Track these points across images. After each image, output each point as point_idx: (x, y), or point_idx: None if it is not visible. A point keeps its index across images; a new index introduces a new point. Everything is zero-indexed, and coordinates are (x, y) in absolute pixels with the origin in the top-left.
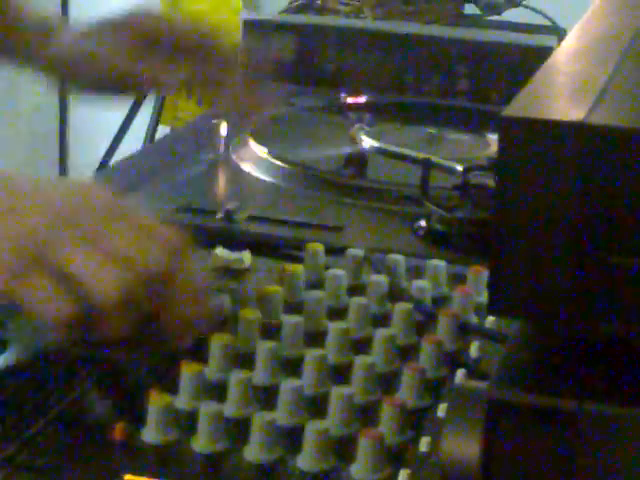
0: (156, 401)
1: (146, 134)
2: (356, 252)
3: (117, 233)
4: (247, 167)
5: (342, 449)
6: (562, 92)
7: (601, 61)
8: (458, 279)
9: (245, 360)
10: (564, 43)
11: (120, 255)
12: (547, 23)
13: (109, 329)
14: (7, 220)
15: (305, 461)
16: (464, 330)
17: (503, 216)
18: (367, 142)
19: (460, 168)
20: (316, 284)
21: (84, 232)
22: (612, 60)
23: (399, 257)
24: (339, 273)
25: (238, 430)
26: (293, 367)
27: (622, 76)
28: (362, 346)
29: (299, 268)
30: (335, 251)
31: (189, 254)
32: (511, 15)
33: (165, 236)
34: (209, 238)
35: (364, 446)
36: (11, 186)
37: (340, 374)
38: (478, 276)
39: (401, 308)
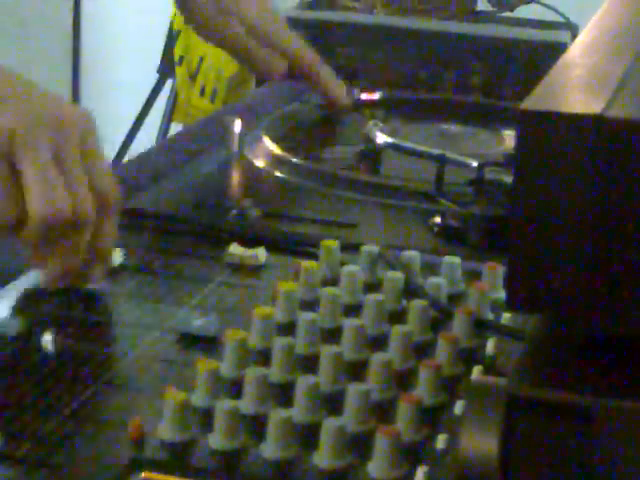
0: (172, 398)
1: (159, 131)
2: (371, 249)
3: (81, 164)
4: (261, 164)
5: (359, 446)
6: (580, 85)
7: (618, 54)
8: (473, 275)
9: (261, 357)
10: (580, 37)
11: (73, 186)
12: (560, 20)
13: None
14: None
15: (321, 458)
16: (480, 327)
17: (521, 210)
18: (381, 138)
19: (475, 164)
20: (331, 281)
21: (57, 144)
22: (629, 53)
23: (414, 253)
24: (354, 270)
25: (254, 427)
26: (309, 364)
27: (639, 69)
28: (378, 343)
29: (314, 265)
30: (350, 248)
31: (113, 216)
32: (524, 12)
33: (109, 190)
34: (223, 235)
35: (381, 443)
36: (5, 79)
37: (356, 371)
38: (494, 272)
39: (417, 305)
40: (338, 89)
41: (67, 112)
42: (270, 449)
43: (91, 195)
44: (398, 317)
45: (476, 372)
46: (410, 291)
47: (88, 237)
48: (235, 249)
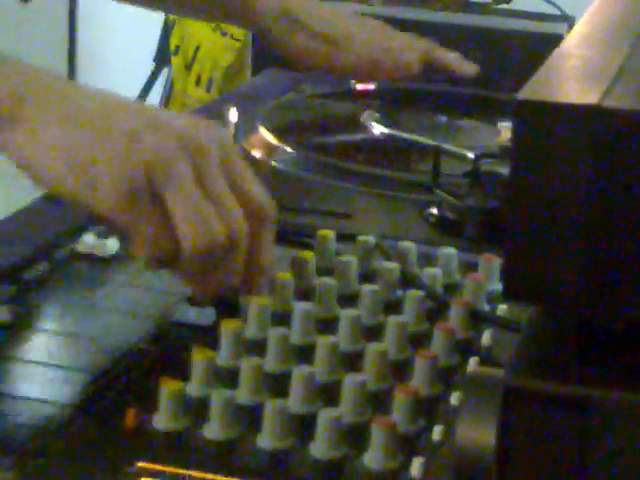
0: (168, 388)
1: None
2: (367, 239)
3: (226, 183)
4: (257, 153)
5: (354, 437)
6: (576, 76)
7: (615, 45)
8: (469, 267)
9: (256, 347)
10: (576, 28)
11: (222, 210)
12: (556, 12)
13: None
14: (128, 143)
15: (317, 449)
16: (476, 318)
17: (517, 200)
18: (377, 129)
19: (471, 155)
20: (327, 271)
21: (198, 169)
22: (626, 44)
23: (410, 244)
24: (350, 260)
25: (250, 417)
26: (305, 354)
27: (637, 60)
28: (374, 333)
29: (310, 255)
30: (346, 238)
31: (271, 227)
32: (520, 4)
33: (261, 203)
34: None
35: (377, 434)
36: (132, 109)
37: (352, 361)
38: (490, 264)
39: (413, 295)
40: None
41: (200, 132)
42: (266, 439)
43: (243, 212)
44: (394, 307)
45: (472, 363)
46: (406, 282)
47: (246, 255)
48: None
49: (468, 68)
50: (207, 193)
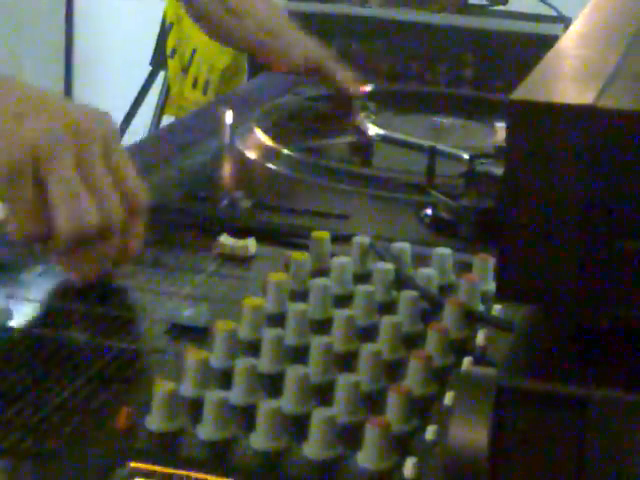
0: (161, 388)
1: (151, 124)
2: (362, 240)
3: (106, 171)
4: (252, 155)
5: (348, 437)
6: (571, 76)
7: (610, 45)
8: (464, 267)
9: (250, 348)
10: (571, 28)
11: (99, 197)
12: (553, 13)
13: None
14: (14, 124)
15: (311, 449)
16: (470, 318)
17: (511, 200)
18: (373, 130)
19: (466, 156)
20: (322, 272)
21: (80, 155)
22: (621, 44)
23: (405, 245)
24: (345, 261)
25: (244, 418)
26: (299, 355)
27: (631, 60)
28: (368, 334)
29: (305, 256)
30: (341, 239)
31: (141, 216)
32: (517, 5)
33: (137, 191)
34: (214, 226)
35: (370, 434)
36: (21, 93)
37: (346, 362)
38: (484, 264)
39: (407, 296)
40: (349, 80)
41: (87, 118)
42: (259, 440)
43: (118, 199)
44: (388, 308)
45: (466, 363)
46: (400, 282)
47: (118, 241)
48: (226, 240)
49: (353, 87)
50: (86, 178)
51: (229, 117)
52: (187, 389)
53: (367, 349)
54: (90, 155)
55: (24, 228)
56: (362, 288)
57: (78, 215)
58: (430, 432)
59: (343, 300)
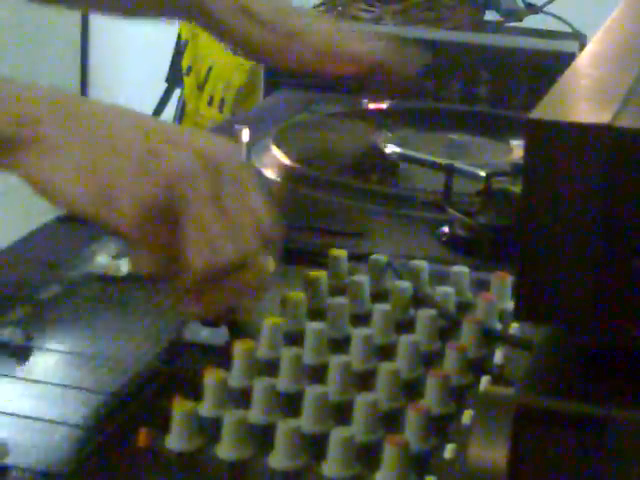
0: (180, 408)
1: None
2: (379, 258)
3: (240, 204)
4: (269, 173)
5: (367, 456)
6: (588, 95)
7: (626, 64)
8: (482, 285)
9: (269, 367)
10: (588, 47)
11: (234, 232)
12: (568, 30)
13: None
14: (149, 161)
15: (330, 468)
16: (488, 337)
17: (529, 219)
18: (389, 148)
19: (483, 174)
20: (339, 290)
21: (213, 189)
22: (637, 63)
23: (422, 263)
24: (362, 279)
25: (263, 437)
26: (317, 374)
27: None
28: (386, 352)
29: (322, 274)
30: (358, 257)
31: (274, 248)
32: (532, 22)
33: (270, 223)
34: None
35: (389, 453)
36: (154, 127)
37: (364, 380)
38: (502, 282)
39: (425, 314)
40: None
41: (217, 149)
42: (278, 459)
43: (254, 232)
44: (406, 327)
45: (484, 382)
46: (418, 300)
47: (250, 276)
48: None
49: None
50: (221, 211)
51: (245, 135)
52: (206, 409)
53: (385, 368)
54: (223, 188)
55: (156, 267)
56: (379, 307)
57: (213, 252)
58: (448, 451)
59: (361, 319)
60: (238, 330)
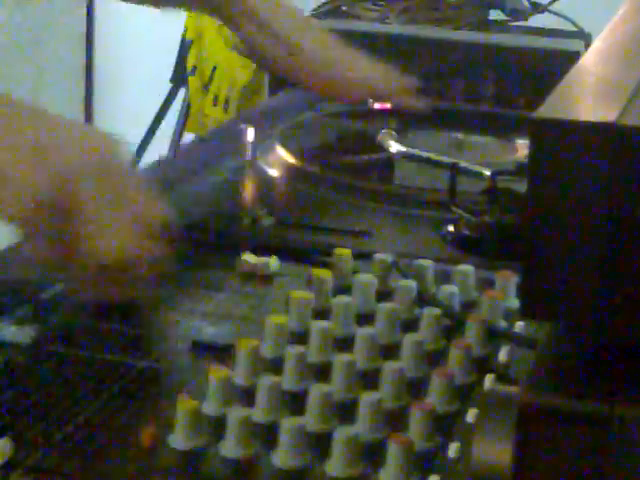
0: (184, 407)
1: (172, 140)
2: (384, 257)
3: (128, 200)
4: (274, 172)
5: (371, 455)
6: (593, 94)
7: (632, 63)
8: (486, 284)
9: (273, 366)
10: (593, 46)
11: (125, 226)
12: (573, 29)
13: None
14: (44, 154)
15: (334, 467)
16: (493, 335)
17: (534, 218)
18: (394, 147)
19: (488, 173)
20: (344, 289)
21: (103, 185)
22: None
23: (427, 262)
24: (367, 278)
25: (266, 436)
26: (322, 373)
27: None
28: (390, 351)
29: (327, 273)
30: (363, 256)
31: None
32: (537, 21)
33: (157, 216)
34: (236, 244)
35: (393, 452)
36: (42, 123)
37: (369, 379)
38: (506, 281)
39: (429, 313)
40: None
41: (107, 148)
42: (282, 458)
43: (143, 227)
44: (411, 325)
45: (488, 380)
46: (423, 299)
47: (143, 268)
48: (248, 258)
49: (417, 105)
50: (111, 208)
51: (250, 134)
52: (210, 407)
53: (389, 367)
54: (112, 184)
55: (45, 253)
56: (384, 305)
57: (102, 247)
58: (453, 449)
59: (365, 318)
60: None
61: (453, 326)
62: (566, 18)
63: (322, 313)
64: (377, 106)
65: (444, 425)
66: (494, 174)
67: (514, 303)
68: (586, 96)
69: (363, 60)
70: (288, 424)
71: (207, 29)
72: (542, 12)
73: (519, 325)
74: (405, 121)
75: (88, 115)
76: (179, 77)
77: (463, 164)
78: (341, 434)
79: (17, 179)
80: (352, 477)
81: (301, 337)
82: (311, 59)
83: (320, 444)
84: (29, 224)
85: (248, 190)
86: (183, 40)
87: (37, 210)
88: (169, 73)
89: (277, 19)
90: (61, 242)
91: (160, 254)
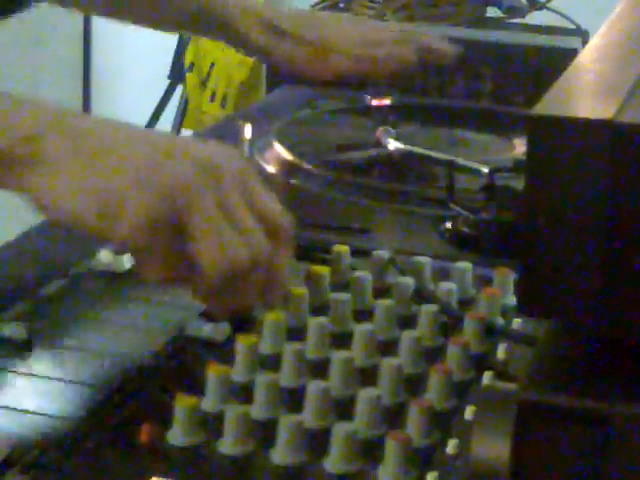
0: (182, 403)
1: None
2: (382, 254)
3: (246, 207)
4: (271, 169)
5: (369, 451)
6: (591, 91)
7: (629, 60)
8: (484, 281)
9: (271, 362)
10: (591, 43)
11: (244, 233)
12: (571, 26)
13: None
14: (150, 173)
15: (332, 463)
16: (490, 332)
17: (532, 215)
18: (392, 144)
19: (485, 170)
20: (342, 286)
21: (218, 195)
22: None
23: (425, 259)
24: (365, 275)
25: (265, 432)
26: (319, 369)
27: None
28: (388, 348)
29: (325, 270)
30: (361, 253)
31: (288, 244)
32: (534, 18)
33: (278, 222)
34: None
35: (391, 448)
36: (153, 141)
37: (366, 376)
38: (504, 278)
39: (427, 310)
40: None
41: (218, 155)
42: (280, 454)
43: (262, 232)
44: (408, 322)
45: (487, 378)
46: (421, 296)
47: (265, 276)
48: None
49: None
50: (228, 217)
51: (248, 131)
52: (208, 404)
53: (387, 363)
54: (227, 191)
55: (166, 273)
56: (382, 302)
57: (227, 255)
58: (451, 446)
59: (363, 314)
60: (239, 324)
61: (451, 323)
62: (563, 15)
63: (320, 309)
64: (375, 103)
65: (442, 422)
66: (492, 171)
67: (512, 300)
68: (583, 93)
69: (380, 32)
70: (286, 420)
71: None
72: (540, 9)
73: (517, 322)
74: (403, 118)
75: (86, 112)
76: (177, 74)
77: (461, 161)
78: (339, 431)
79: (126, 203)
80: (350, 473)
81: (299, 333)
82: (337, 49)
83: (318, 441)
84: (143, 247)
85: None
86: (181, 37)
87: (150, 232)
88: (167, 70)
89: (286, 19)
90: (178, 260)
91: (281, 260)
